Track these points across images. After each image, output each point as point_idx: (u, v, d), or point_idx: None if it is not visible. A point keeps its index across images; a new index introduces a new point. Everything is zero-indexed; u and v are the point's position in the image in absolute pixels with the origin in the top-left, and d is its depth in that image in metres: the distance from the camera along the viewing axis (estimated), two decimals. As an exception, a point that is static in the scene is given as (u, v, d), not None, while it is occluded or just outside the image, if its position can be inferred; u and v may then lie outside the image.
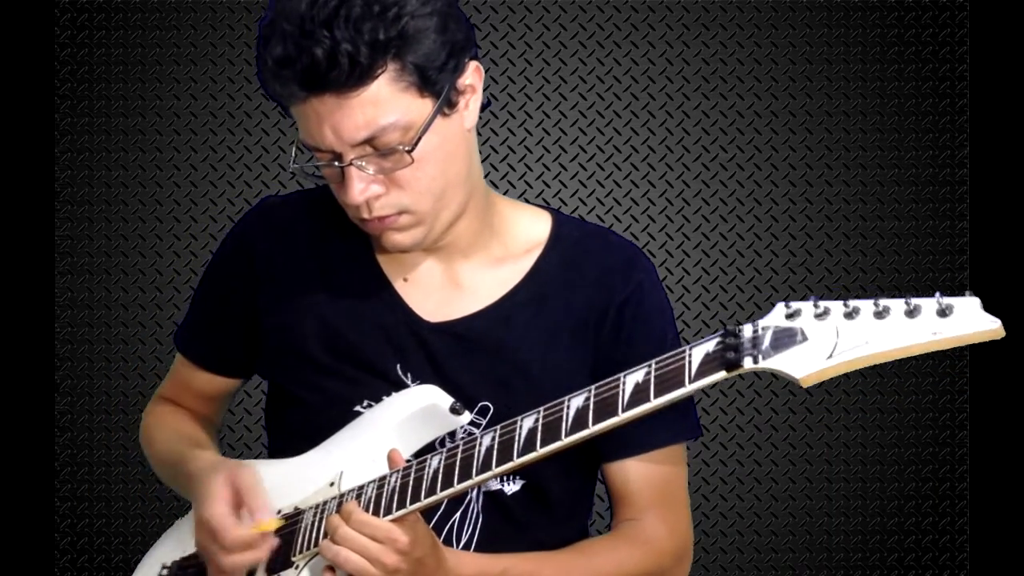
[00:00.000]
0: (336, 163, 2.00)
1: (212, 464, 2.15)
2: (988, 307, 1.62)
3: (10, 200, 3.41)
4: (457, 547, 2.09)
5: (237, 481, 2.07)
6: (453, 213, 2.09)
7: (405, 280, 2.16)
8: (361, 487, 2.01)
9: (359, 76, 1.94)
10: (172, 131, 3.53)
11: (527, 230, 2.18)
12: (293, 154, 2.07)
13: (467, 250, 2.15)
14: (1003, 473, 3.30)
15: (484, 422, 2.09)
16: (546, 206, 2.30)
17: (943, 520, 3.45)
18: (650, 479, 2.14)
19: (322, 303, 2.17)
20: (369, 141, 1.98)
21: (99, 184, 3.52)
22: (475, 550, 2.09)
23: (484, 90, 2.08)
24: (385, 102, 1.97)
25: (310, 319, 2.17)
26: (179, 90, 3.53)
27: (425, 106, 2.00)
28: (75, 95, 3.52)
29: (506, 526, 2.11)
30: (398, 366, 2.13)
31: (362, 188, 2.00)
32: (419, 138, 1.99)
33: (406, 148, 1.99)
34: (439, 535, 2.07)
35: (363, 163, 1.99)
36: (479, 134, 2.14)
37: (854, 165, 3.49)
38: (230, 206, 3.52)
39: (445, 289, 2.15)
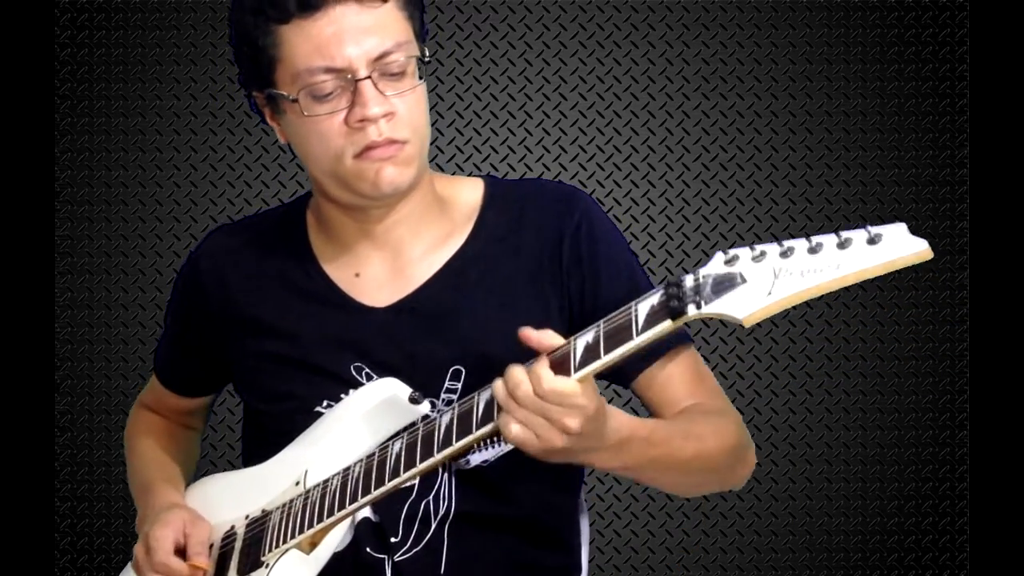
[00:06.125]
0: (350, 77, 2.02)
1: (173, 504, 2.24)
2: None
3: (10, 200, 3.41)
4: (434, 522, 2.08)
5: (190, 528, 2.15)
6: (424, 166, 2.12)
7: (357, 275, 2.17)
8: (326, 481, 2.03)
9: None
10: (172, 131, 3.53)
11: (465, 200, 2.20)
12: (254, 106, 2.14)
13: (415, 237, 2.16)
14: (1003, 473, 3.30)
15: (459, 386, 2.09)
16: (478, 174, 2.33)
17: (943, 520, 3.45)
18: (679, 374, 2.12)
19: (273, 319, 2.18)
20: (383, 58, 2.03)
21: (99, 184, 3.52)
22: (451, 527, 2.08)
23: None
24: (397, 22, 2.06)
25: (264, 337, 2.18)
26: (179, 90, 3.52)
27: (415, 48, 2.08)
28: (75, 95, 3.52)
29: (484, 501, 2.09)
30: (352, 367, 2.13)
31: (380, 100, 2.03)
32: (418, 70, 2.06)
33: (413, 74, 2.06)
34: (414, 516, 2.06)
35: (377, 80, 2.03)
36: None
37: (854, 165, 3.48)
38: (230, 206, 3.52)
39: (397, 276, 2.16)
